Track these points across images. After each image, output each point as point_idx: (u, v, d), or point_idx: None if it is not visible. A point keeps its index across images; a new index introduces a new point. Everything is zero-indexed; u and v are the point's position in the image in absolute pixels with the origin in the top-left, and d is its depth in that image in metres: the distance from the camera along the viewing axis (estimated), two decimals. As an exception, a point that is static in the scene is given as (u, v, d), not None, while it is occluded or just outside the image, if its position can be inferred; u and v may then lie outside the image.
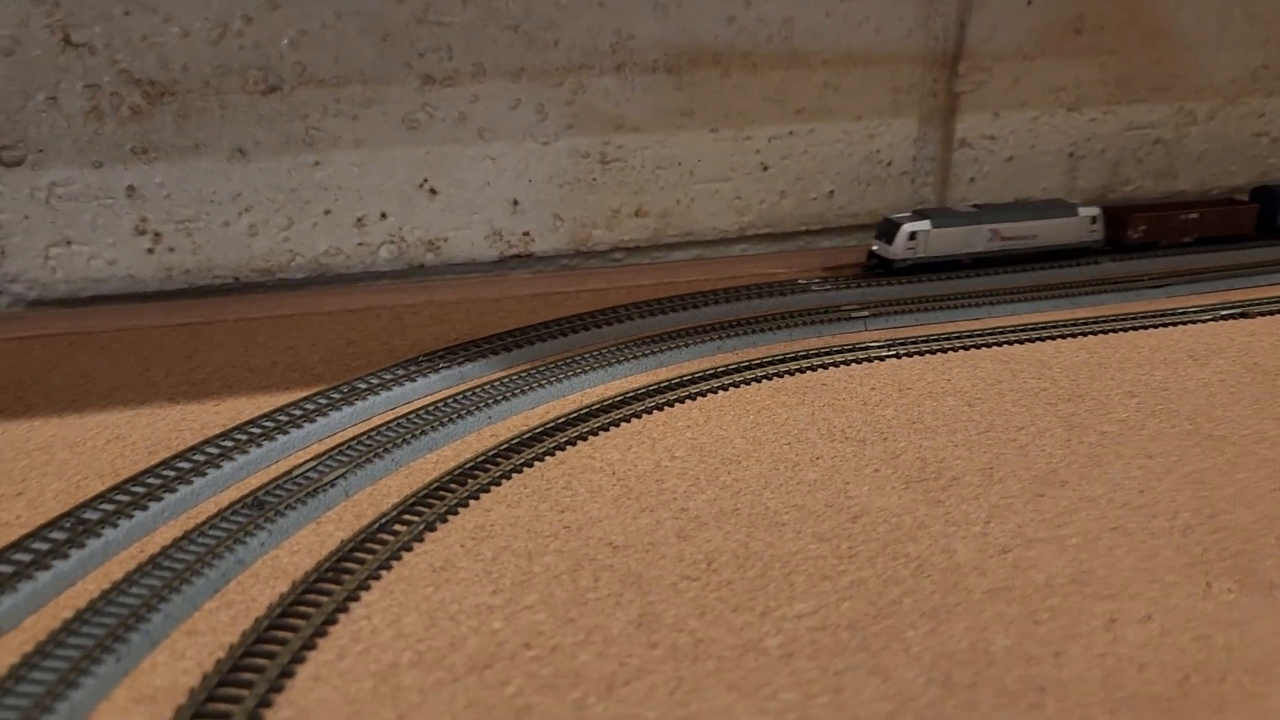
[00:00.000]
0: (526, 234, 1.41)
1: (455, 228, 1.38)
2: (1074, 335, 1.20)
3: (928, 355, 1.15)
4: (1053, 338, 1.19)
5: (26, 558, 0.71)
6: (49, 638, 0.64)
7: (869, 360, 1.13)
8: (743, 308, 1.26)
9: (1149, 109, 1.65)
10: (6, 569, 0.70)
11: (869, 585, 0.73)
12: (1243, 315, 1.25)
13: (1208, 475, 0.88)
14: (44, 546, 0.73)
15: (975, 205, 1.41)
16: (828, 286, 1.32)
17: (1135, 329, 1.22)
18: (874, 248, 1.36)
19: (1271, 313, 1.26)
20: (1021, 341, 1.18)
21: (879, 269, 1.36)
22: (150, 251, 1.28)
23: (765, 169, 1.49)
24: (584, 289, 1.35)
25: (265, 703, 0.60)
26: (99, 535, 0.75)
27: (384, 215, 1.35)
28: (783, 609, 0.70)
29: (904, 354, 1.15)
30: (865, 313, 1.24)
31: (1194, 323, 1.24)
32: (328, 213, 1.32)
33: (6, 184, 1.21)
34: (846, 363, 1.12)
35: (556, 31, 1.33)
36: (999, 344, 1.17)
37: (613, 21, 1.35)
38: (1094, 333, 1.20)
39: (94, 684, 0.60)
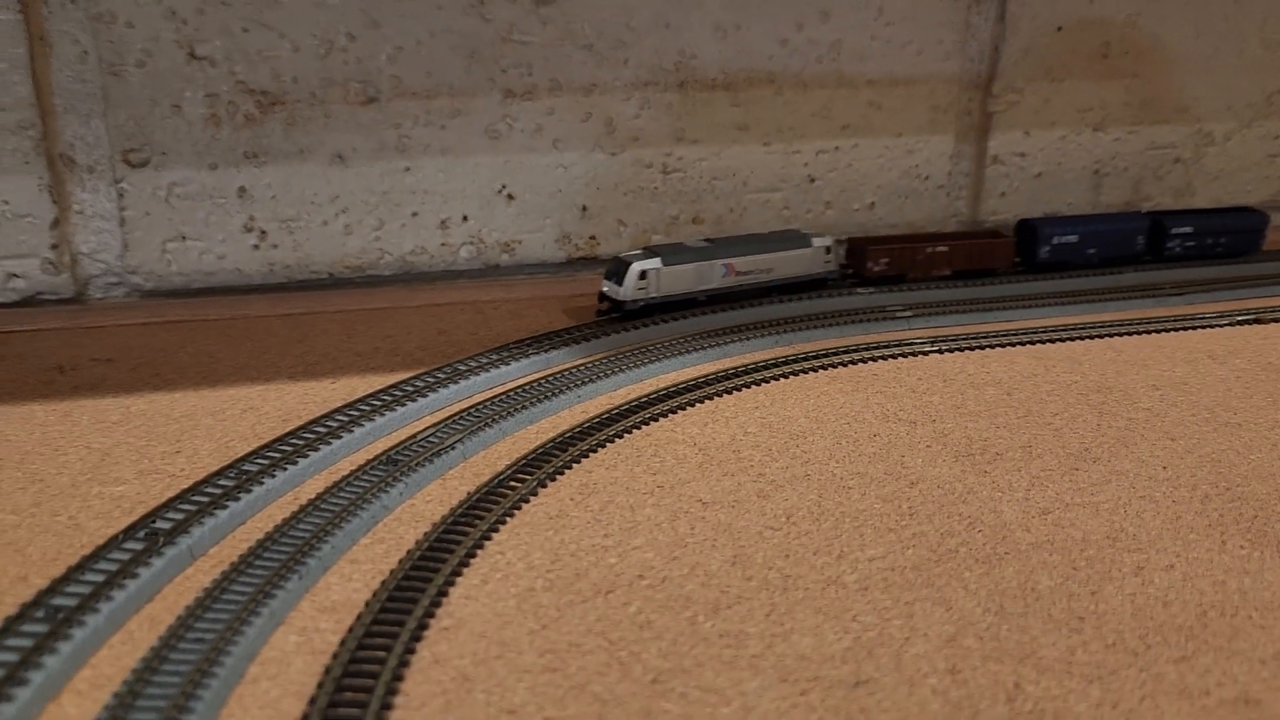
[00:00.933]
0: (593, 238, 1.53)
1: (529, 231, 1.50)
2: (1102, 336, 1.31)
3: (968, 351, 1.26)
4: (1083, 338, 1.30)
5: (204, 499, 0.83)
6: (239, 560, 0.75)
7: (914, 355, 1.24)
8: (796, 307, 1.37)
9: (1170, 130, 1.76)
10: (191, 506, 0.82)
11: (929, 537, 0.84)
12: (1257, 321, 1.36)
13: (1225, 455, 0.99)
14: (217, 491, 0.85)
15: (707, 240, 1.37)
16: (870, 290, 1.43)
17: (1159, 332, 1.33)
18: (604, 288, 1.28)
19: (1283, 318, 1.37)
20: (1054, 341, 1.29)
21: (613, 311, 1.29)
22: (256, 248, 1.40)
23: (812, 181, 1.60)
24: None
25: (430, 614, 0.71)
26: (260, 483, 0.87)
27: (465, 218, 1.47)
28: (856, 554, 0.81)
29: (946, 350, 1.26)
30: (909, 313, 1.35)
31: (1212, 327, 1.35)
32: (415, 215, 1.44)
33: (132, 183, 1.33)
34: (894, 356, 1.23)
35: (626, 51, 1.45)
36: (1034, 343, 1.28)
37: (677, 43, 1.47)
38: (1121, 334, 1.31)
39: (285, 596, 0.72)
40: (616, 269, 1.28)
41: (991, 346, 1.27)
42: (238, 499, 0.84)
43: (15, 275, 1.33)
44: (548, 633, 0.70)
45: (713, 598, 0.75)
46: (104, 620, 0.68)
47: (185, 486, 0.86)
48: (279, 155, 1.37)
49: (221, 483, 0.86)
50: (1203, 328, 1.34)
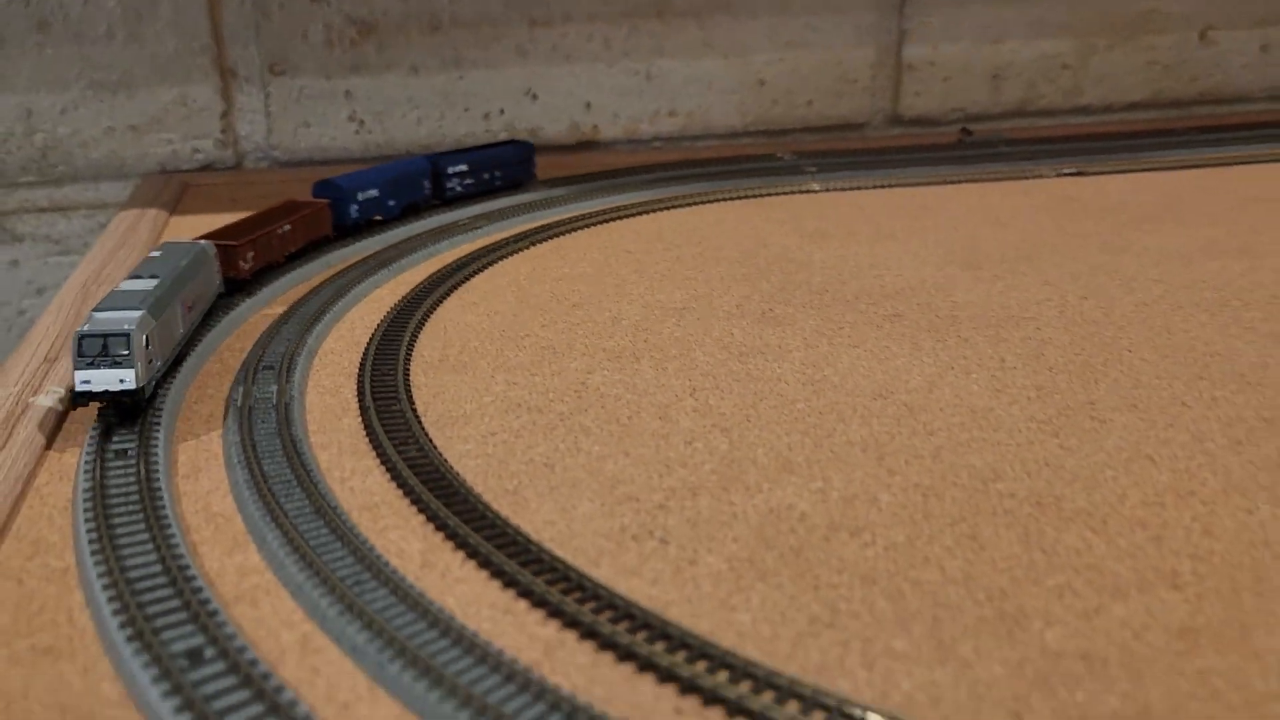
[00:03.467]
0: (595, 126, 2.10)
1: (549, 121, 2.08)
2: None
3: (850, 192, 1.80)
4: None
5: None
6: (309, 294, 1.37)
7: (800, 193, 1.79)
8: (737, 167, 1.93)
9: (1057, 42, 2.24)
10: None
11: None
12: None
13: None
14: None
15: (147, 275, 1.02)
16: (794, 159, 1.98)
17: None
18: (82, 383, 0.88)
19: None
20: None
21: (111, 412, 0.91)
22: (357, 133, 2.01)
23: (762, 84, 2.14)
24: (634, 163, 2.03)
25: (428, 314, 1.31)
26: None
27: (502, 111, 2.06)
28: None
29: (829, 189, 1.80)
30: (814, 168, 1.90)
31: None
32: (466, 110, 2.04)
33: (274, 88, 1.95)
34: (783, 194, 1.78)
35: (618, -11, 2.01)
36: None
37: (655, -18, 2.02)
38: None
39: (329, 319, 1.32)
40: (89, 344, 0.88)
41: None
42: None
43: (198, 150, 1.97)
44: (490, 323, 1.30)
45: (549, 342, 1.33)
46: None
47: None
48: (373, 68, 1.97)
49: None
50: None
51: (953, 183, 1.85)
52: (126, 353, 0.88)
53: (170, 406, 0.99)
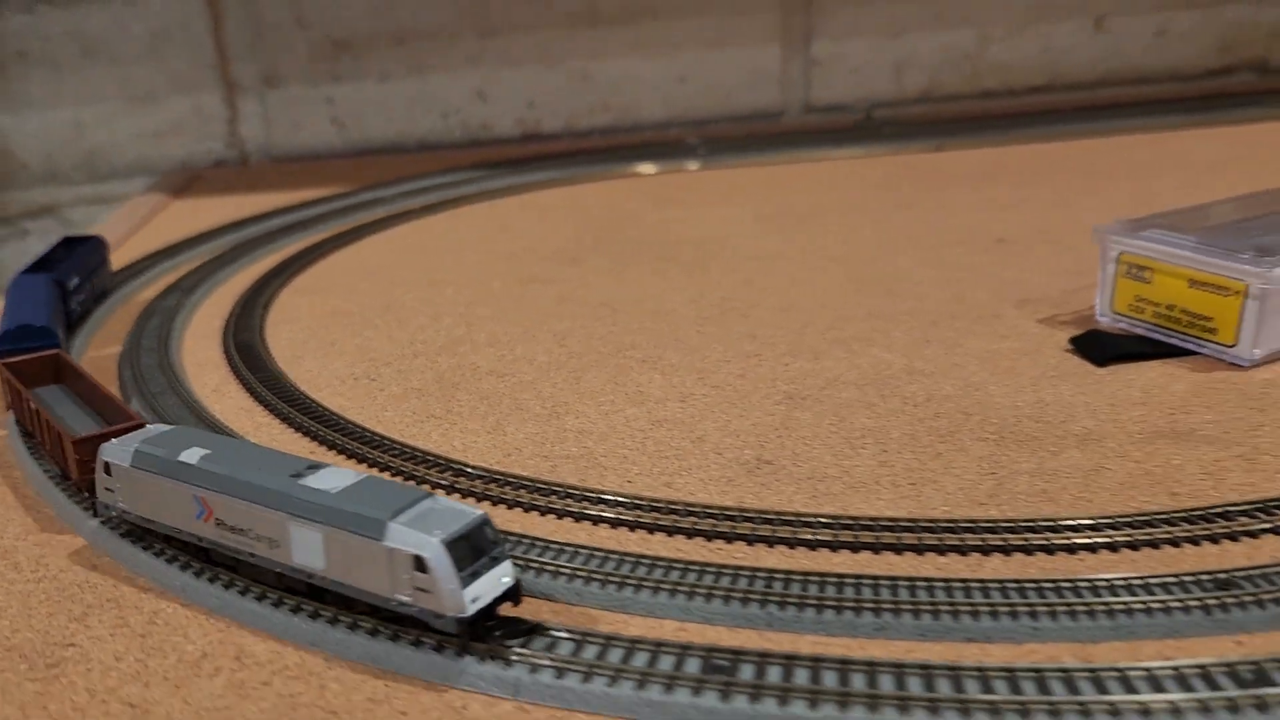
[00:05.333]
0: (538, 121, 2.48)
1: (497, 117, 2.46)
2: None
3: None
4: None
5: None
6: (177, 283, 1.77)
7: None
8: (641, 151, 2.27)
9: (956, 34, 2.51)
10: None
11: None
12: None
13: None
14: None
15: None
16: (698, 143, 2.30)
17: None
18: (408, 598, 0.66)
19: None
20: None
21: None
22: (338, 132, 2.43)
23: (684, 80, 2.48)
24: (581, 147, 2.39)
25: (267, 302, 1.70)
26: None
27: (458, 110, 2.45)
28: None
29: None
30: (703, 150, 2.22)
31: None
32: (428, 110, 2.44)
33: (269, 96, 2.39)
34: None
35: (554, 5, 2.38)
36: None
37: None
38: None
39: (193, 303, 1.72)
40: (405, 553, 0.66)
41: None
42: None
43: (211, 151, 2.42)
44: (362, 266, 1.67)
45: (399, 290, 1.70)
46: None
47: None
48: (349, 77, 2.39)
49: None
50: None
51: (822, 160, 2.15)
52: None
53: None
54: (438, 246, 1.71)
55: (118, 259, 1.67)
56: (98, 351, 1.32)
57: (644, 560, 0.74)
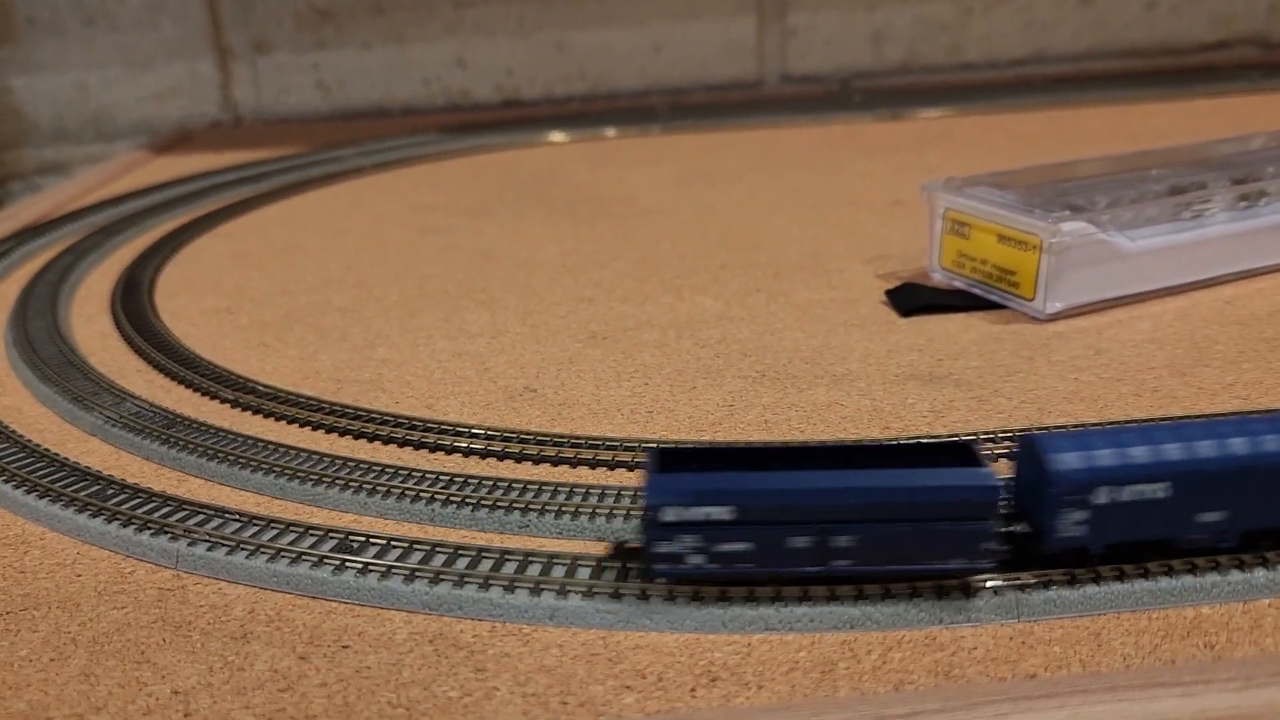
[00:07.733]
0: (517, 87, 2.54)
1: (477, 84, 2.54)
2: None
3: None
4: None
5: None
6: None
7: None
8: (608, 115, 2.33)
9: (935, 6, 2.50)
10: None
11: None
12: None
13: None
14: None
15: None
16: (665, 111, 2.35)
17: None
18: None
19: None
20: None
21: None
22: (323, 96, 2.54)
23: (659, 50, 2.52)
24: (556, 113, 2.46)
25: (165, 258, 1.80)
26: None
27: (439, 77, 2.53)
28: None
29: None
30: (668, 115, 2.27)
31: None
32: (409, 77, 2.53)
33: (259, 62, 2.50)
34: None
35: (529, -26, 2.45)
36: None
37: (559, -33, 2.44)
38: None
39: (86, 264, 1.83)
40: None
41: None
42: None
43: (206, 113, 2.55)
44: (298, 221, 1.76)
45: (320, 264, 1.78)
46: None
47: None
48: (333, 44, 2.49)
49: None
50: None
51: (783, 128, 2.18)
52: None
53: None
54: (368, 200, 1.80)
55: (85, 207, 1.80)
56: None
57: (338, 460, 0.81)
